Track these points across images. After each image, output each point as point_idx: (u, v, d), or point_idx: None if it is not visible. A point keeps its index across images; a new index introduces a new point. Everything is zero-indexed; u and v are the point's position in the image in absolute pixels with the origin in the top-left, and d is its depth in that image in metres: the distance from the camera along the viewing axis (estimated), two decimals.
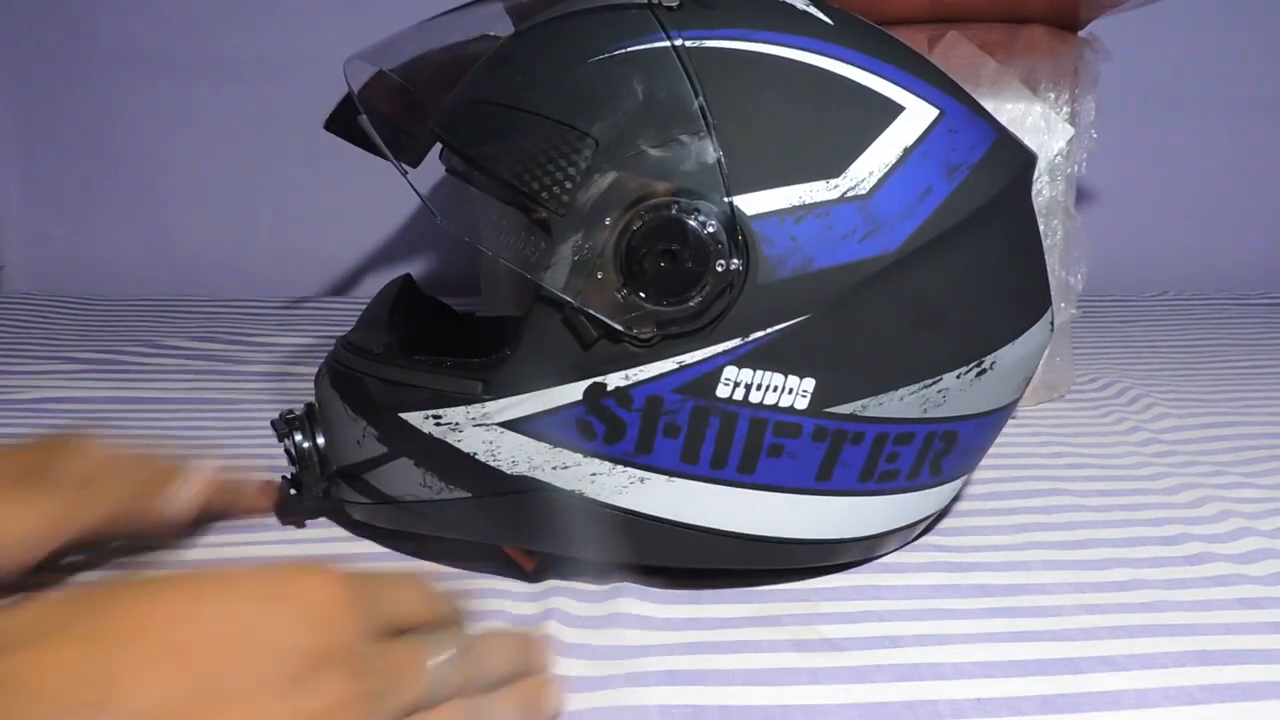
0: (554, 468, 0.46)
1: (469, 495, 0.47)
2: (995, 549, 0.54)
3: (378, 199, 1.16)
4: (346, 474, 0.51)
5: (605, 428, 0.45)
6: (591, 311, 0.43)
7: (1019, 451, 0.69)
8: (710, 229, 0.42)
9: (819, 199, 0.43)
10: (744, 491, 0.46)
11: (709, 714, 0.39)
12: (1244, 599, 0.48)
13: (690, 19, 0.46)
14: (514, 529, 0.48)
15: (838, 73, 0.46)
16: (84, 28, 1.16)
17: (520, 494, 0.46)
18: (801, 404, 0.44)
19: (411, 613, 0.33)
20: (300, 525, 0.56)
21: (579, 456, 0.45)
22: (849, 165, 0.44)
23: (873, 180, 0.44)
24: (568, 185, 0.43)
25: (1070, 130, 0.73)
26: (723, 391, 0.44)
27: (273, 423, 0.53)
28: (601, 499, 0.46)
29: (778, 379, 0.44)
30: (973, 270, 0.47)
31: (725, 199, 0.43)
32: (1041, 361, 0.77)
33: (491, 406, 0.45)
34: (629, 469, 0.45)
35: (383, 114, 0.52)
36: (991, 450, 0.68)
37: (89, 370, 0.83)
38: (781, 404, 0.44)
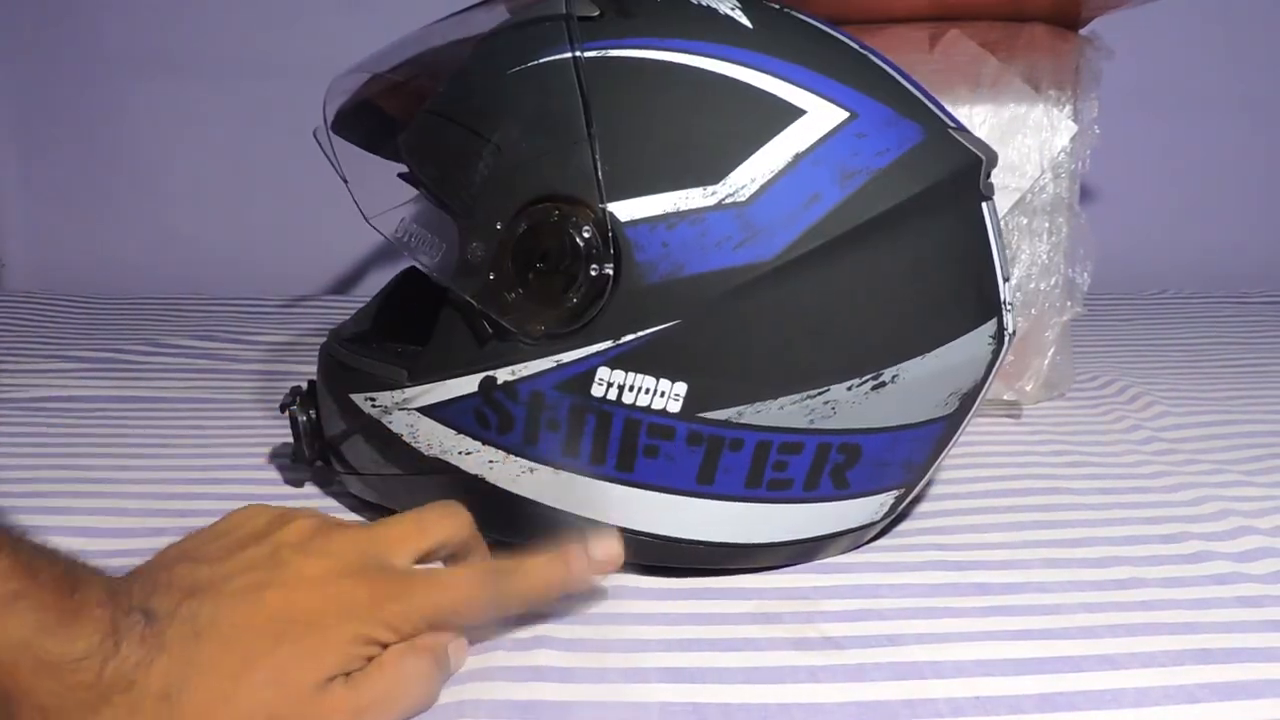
0: (460, 453, 0.48)
1: (400, 472, 0.51)
2: (994, 547, 0.54)
3: None
4: (329, 446, 0.56)
5: (497, 419, 0.47)
6: (485, 310, 0.46)
7: (1019, 450, 0.69)
8: (585, 234, 0.44)
9: (694, 206, 0.44)
10: (624, 488, 0.47)
11: (709, 711, 0.39)
12: (1244, 597, 0.48)
13: (605, 29, 0.47)
14: None
15: (737, 78, 0.46)
16: (85, 27, 1.16)
17: (437, 474, 0.49)
18: (674, 407, 0.45)
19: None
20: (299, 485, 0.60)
21: (478, 444, 0.48)
22: (730, 172, 0.45)
23: (754, 187, 0.45)
24: (471, 190, 0.46)
25: (1074, 127, 0.73)
26: (597, 391, 0.45)
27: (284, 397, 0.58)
28: (500, 485, 0.48)
29: (649, 381, 0.45)
30: (867, 279, 0.46)
31: (600, 205, 0.44)
32: (1046, 363, 0.77)
33: (410, 392, 0.49)
34: (520, 459, 0.47)
35: (368, 124, 0.55)
36: (991, 449, 0.69)
37: (90, 369, 0.83)
38: (654, 406, 0.45)
